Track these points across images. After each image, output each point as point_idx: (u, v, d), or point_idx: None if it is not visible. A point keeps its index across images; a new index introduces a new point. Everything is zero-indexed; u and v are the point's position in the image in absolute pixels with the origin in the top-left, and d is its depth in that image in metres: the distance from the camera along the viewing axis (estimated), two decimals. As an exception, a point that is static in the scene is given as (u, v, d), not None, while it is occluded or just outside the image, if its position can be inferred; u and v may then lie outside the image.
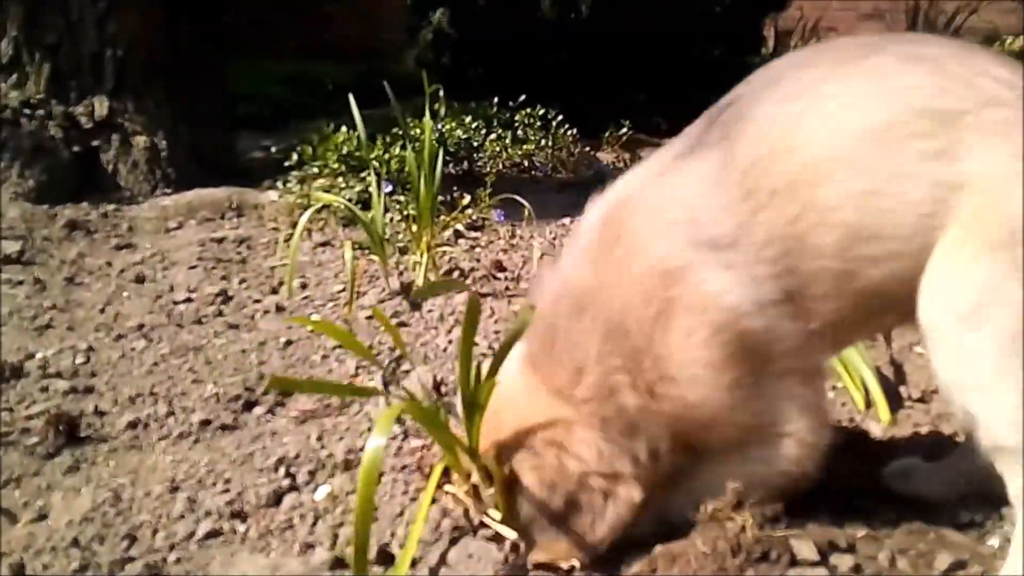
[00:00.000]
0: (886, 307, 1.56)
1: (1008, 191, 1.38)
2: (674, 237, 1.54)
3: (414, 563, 1.59)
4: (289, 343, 2.88)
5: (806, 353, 1.57)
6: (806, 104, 1.50)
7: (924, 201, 1.42)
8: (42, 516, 1.87)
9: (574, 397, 1.59)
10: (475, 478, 1.66)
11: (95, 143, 4.67)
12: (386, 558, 1.65)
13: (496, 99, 6.27)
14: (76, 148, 4.61)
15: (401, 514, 1.77)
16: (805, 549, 1.51)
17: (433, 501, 1.71)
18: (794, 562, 1.49)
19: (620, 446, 1.57)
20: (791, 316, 1.53)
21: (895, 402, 2.36)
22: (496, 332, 2.92)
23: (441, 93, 4.32)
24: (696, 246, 1.52)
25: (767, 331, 1.51)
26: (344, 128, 4.74)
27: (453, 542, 1.64)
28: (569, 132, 6.25)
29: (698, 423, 1.58)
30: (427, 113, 3.62)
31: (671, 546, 1.54)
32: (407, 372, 2.56)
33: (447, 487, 1.74)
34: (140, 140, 4.75)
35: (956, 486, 1.78)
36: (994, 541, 1.66)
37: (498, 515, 1.66)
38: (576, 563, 1.55)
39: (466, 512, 1.70)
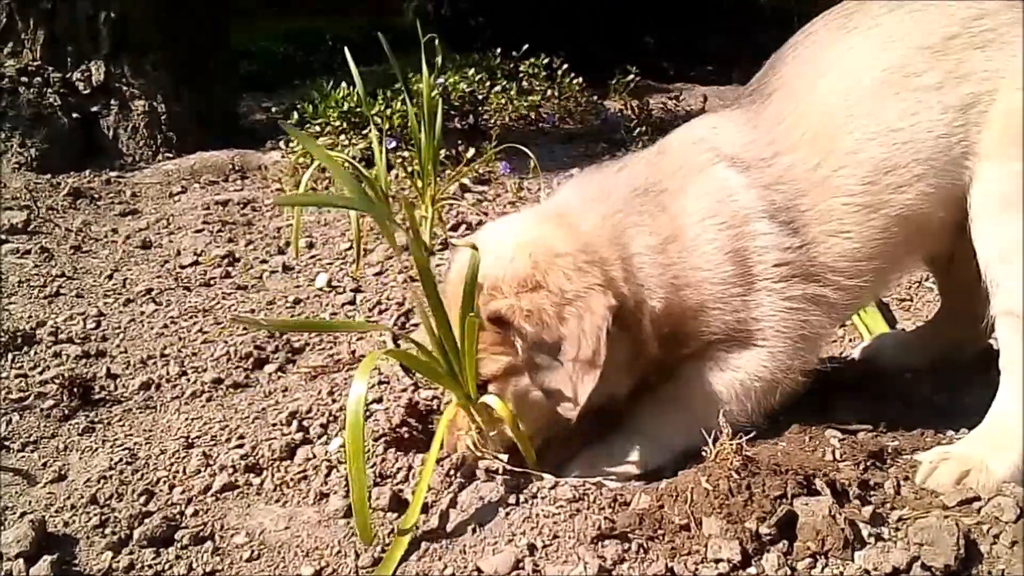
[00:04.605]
0: (911, 237, 1.72)
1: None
2: (701, 148, 1.81)
3: (426, 508, 1.61)
4: (298, 301, 2.89)
5: (810, 280, 1.71)
6: (819, 69, 1.75)
7: (938, 125, 1.62)
8: (61, 476, 1.90)
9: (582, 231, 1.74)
10: (478, 420, 1.67)
11: (94, 109, 4.65)
12: (400, 504, 1.67)
13: (499, 49, 6.18)
14: (75, 115, 4.59)
15: (414, 463, 1.79)
16: (813, 482, 1.52)
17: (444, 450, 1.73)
18: (798, 495, 1.50)
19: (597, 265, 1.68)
20: (793, 236, 1.70)
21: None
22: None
23: (437, 43, 4.25)
24: (718, 155, 1.77)
25: (769, 240, 1.69)
26: (344, 85, 4.69)
27: (463, 486, 1.66)
28: (575, 80, 6.14)
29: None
30: (423, 64, 3.57)
31: (676, 482, 1.55)
32: (416, 326, 2.57)
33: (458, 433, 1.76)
34: (139, 105, 4.72)
35: (925, 356, 2.07)
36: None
37: (505, 456, 1.68)
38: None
39: (474, 455, 1.72)
